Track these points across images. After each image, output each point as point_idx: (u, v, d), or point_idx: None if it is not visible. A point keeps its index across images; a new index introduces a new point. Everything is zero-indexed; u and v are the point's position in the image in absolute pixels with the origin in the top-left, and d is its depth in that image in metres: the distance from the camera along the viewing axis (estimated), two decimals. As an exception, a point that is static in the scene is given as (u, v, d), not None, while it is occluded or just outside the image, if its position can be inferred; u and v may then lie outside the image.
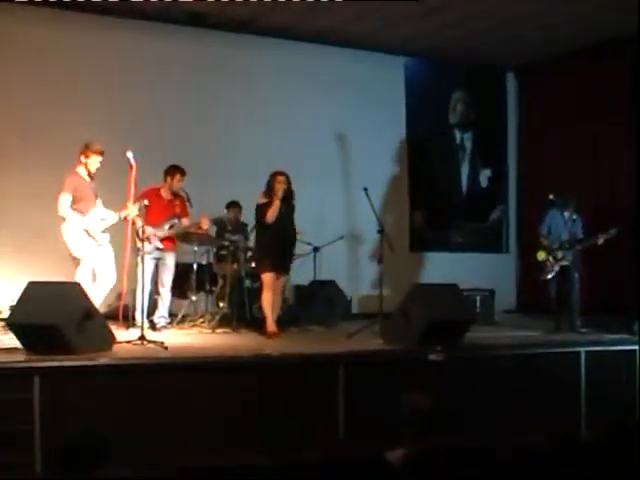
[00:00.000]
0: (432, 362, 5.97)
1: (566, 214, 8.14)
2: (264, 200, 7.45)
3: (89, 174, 6.95)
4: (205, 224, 7.65)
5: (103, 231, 6.96)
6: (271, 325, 7.38)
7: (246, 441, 5.25)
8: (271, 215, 7.35)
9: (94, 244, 6.87)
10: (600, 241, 7.86)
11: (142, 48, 9.24)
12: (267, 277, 7.38)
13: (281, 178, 7.44)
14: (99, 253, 6.91)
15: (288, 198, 7.48)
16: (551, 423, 6.09)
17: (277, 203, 7.36)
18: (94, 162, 6.89)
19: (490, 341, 7.05)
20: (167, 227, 7.64)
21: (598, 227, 8.19)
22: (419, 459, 3.61)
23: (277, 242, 7.41)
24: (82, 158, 6.92)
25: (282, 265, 7.50)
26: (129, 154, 6.59)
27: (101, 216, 6.94)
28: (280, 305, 7.80)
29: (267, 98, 9.82)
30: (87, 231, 6.84)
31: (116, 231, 7.37)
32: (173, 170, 7.75)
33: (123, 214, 6.94)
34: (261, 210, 7.44)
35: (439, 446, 3.70)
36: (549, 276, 8.02)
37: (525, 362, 6.50)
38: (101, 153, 6.88)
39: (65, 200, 6.79)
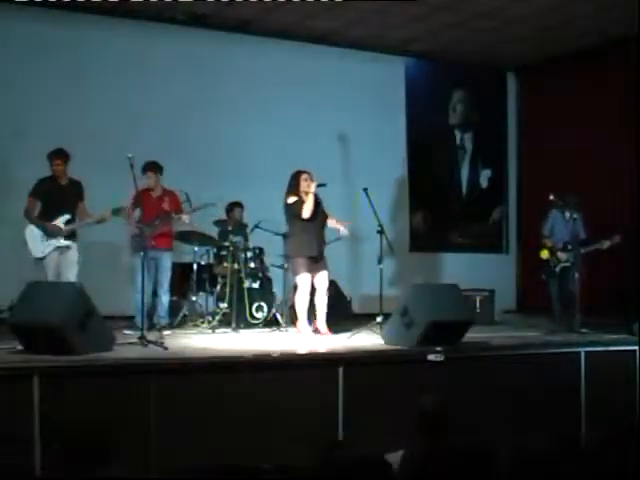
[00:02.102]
0: (432, 362, 5.96)
1: (567, 214, 8.14)
2: (293, 198, 7.34)
3: (55, 179, 7.05)
4: (186, 218, 7.54)
5: (68, 235, 7.01)
6: (304, 326, 7.36)
7: (246, 442, 5.25)
8: (308, 209, 7.24)
9: (50, 247, 6.93)
10: (605, 246, 7.92)
11: (142, 48, 9.24)
12: (302, 279, 7.31)
13: (306, 176, 7.37)
14: (57, 256, 6.97)
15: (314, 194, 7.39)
16: (551, 423, 6.10)
17: (311, 197, 7.27)
18: (55, 165, 7.02)
19: (490, 341, 7.04)
20: (157, 223, 7.53)
21: (598, 227, 8.22)
22: (419, 460, 3.61)
23: (311, 240, 7.30)
24: None
25: (318, 263, 7.35)
26: (129, 155, 6.58)
27: (65, 220, 6.99)
28: (325, 303, 7.45)
29: (267, 98, 9.82)
30: (42, 236, 6.94)
31: (114, 232, 7.38)
32: (145, 167, 7.61)
33: (97, 218, 7.04)
34: (293, 208, 7.31)
35: (439, 447, 3.71)
36: (548, 276, 8.03)
37: (525, 362, 6.50)
38: (54, 157, 6.99)
39: (30, 204, 7.00)
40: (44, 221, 6.97)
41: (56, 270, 6.96)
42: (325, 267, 7.43)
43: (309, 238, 7.30)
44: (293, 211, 7.33)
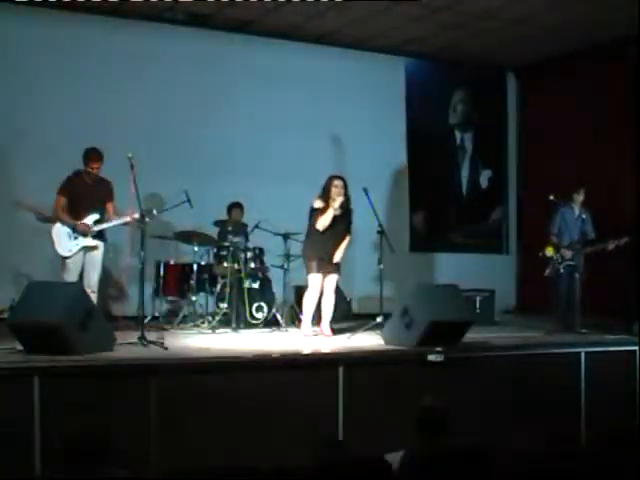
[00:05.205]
0: (432, 362, 5.97)
1: (576, 212, 8.15)
2: (319, 204, 7.30)
3: (88, 179, 6.96)
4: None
5: (97, 234, 6.92)
6: (306, 327, 7.36)
7: (246, 442, 5.25)
8: (323, 225, 7.22)
9: (77, 247, 6.85)
10: (610, 247, 7.86)
11: (142, 48, 9.24)
12: (312, 279, 7.31)
13: (338, 183, 7.29)
14: (82, 255, 6.89)
15: (345, 205, 7.32)
16: (551, 424, 6.10)
17: (331, 213, 7.21)
18: (91, 168, 6.90)
19: (490, 341, 7.04)
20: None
21: (597, 227, 8.22)
22: (419, 460, 3.61)
23: (326, 243, 7.28)
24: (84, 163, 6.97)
25: (330, 265, 7.34)
26: (129, 155, 6.58)
27: (94, 219, 6.93)
28: (332, 306, 7.51)
29: (267, 99, 9.82)
30: (69, 234, 6.85)
31: (113, 232, 7.34)
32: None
33: (126, 221, 6.90)
34: (315, 215, 7.29)
35: (439, 447, 3.71)
36: (554, 273, 8.02)
37: (525, 362, 6.50)
38: (94, 159, 6.86)
39: (58, 201, 6.88)
40: (72, 219, 6.88)
41: (79, 270, 6.86)
42: (336, 271, 7.44)
43: (324, 241, 7.29)
44: (312, 217, 7.35)
